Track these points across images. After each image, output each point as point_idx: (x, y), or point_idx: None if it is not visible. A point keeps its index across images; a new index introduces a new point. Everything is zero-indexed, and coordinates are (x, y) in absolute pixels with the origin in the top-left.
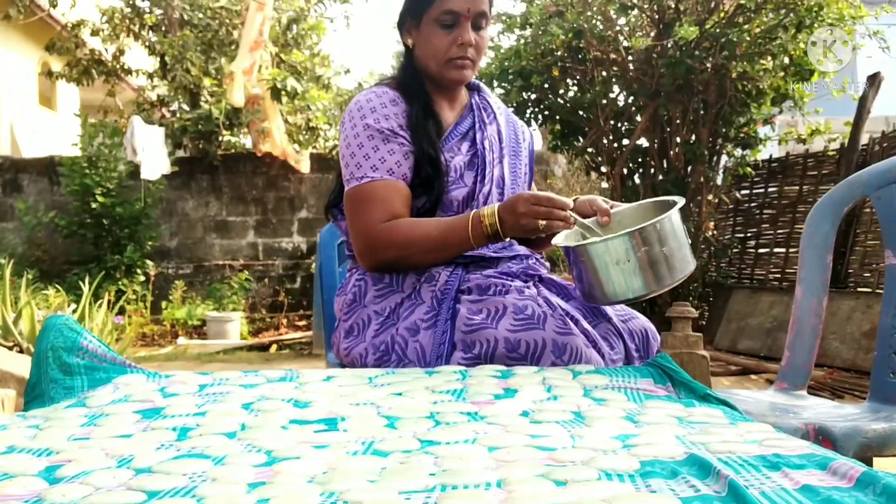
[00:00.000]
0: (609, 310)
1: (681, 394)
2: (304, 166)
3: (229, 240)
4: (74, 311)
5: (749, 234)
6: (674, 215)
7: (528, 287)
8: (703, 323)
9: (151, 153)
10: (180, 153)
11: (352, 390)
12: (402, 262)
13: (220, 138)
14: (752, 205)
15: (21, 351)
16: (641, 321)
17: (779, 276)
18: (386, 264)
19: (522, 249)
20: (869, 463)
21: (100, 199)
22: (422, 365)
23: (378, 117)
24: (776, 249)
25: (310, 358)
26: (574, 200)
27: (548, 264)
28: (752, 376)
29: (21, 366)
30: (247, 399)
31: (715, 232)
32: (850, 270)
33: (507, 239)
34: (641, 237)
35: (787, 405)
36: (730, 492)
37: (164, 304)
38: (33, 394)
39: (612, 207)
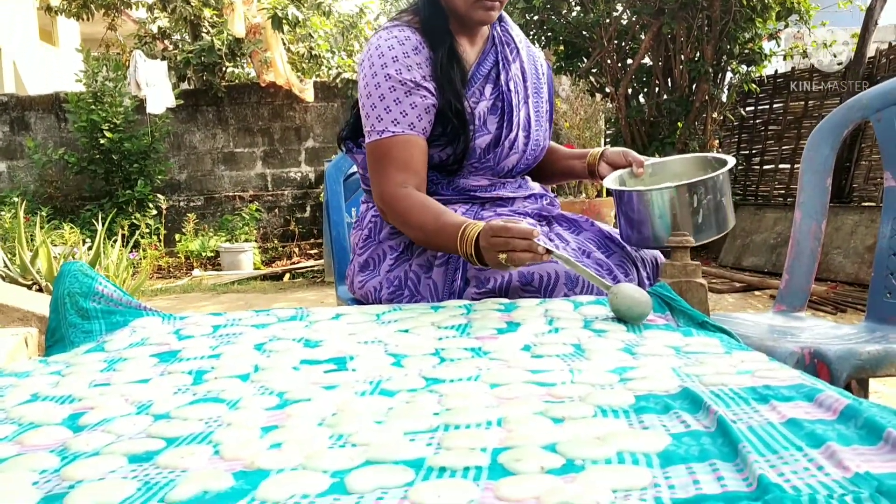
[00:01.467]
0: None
1: (680, 321)
2: (309, 95)
3: (238, 171)
4: (90, 248)
5: (754, 151)
6: (726, 172)
7: (541, 224)
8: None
9: (155, 87)
10: (184, 86)
11: (360, 328)
12: (400, 229)
13: (224, 69)
14: (757, 121)
15: (40, 289)
16: (652, 251)
17: (783, 192)
18: (392, 224)
19: (537, 188)
20: (865, 384)
21: (108, 134)
22: (434, 299)
23: (400, 67)
24: (781, 166)
25: (322, 286)
26: (603, 152)
27: (559, 202)
28: (756, 292)
29: (41, 305)
30: (259, 340)
31: (720, 149)
32: (855, 185)
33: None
34: (704, 187)
35: (786, 327)
36: (718, 427)
37: (177, 236)
38: (54, 338)
39: (645, 160)
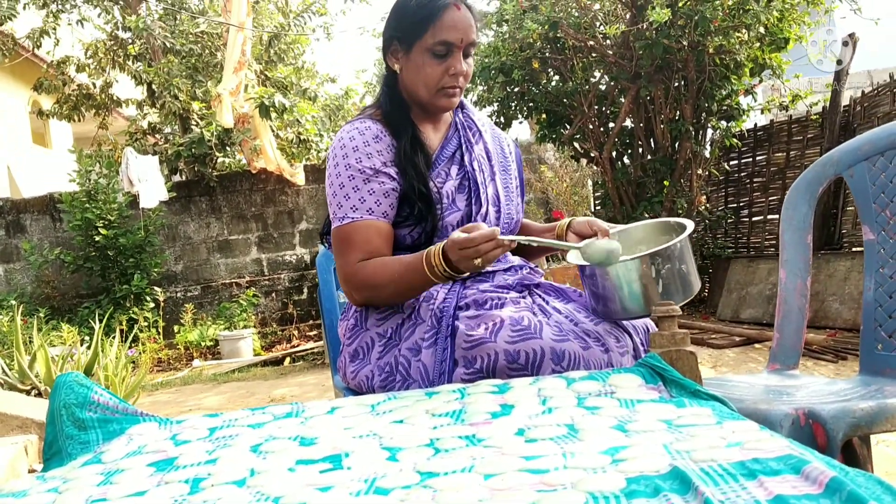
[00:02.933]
0: None
1: (672, 391)
2: (300, 179)
3: (233, 258)
4: (88, 348)
5: (742, 204)
6: (685, 238)
7: (523, 297)
8: (706, 294)
9: (148, 182)
10: (176, 178)
11: (354, 421)
12: (375, 301)
13: (215, 159)
14: (742, 174)
15: (39, 394)
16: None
17: (774, 242)
18: (364, 302)
19: (517, 260)
20: (867, 440)
21: (102, 231)
22: (425, 383)
23: (360, 156)
24: (769, 216)
25: (322, 368)
26: (570, 222)
27: (542, 271)
28: (756, 345)
29: (40, 411)
30: (255, 441)
31: (708, 205)
32: (844, 231)
33: (468, 273)
34: (661, 257)
35: (781, 387)
36: None
37: (175, 327)
38: (51, 451)
39: (610, 228)
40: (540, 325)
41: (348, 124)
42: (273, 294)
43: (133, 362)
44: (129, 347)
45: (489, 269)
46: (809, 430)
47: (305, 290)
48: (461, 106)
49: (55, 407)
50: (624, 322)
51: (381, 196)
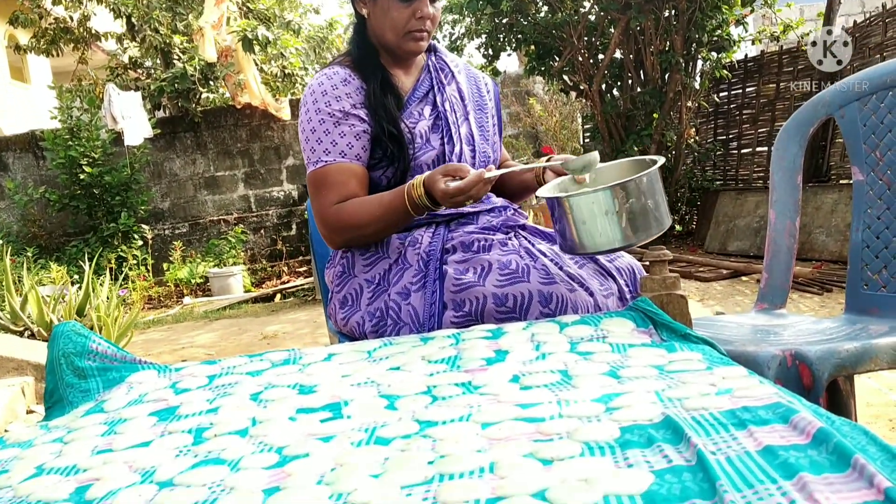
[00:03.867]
0: None
1: (663, 335)
2: (286, 113)
3: (220, 195)
4: (79, 288)
5: (731, 136)
6: (654, 172)
7: (509, 239)
8: (693, 227)
9: (131, 119)
10: (160, 114)
11: (352, 368)
12: (357, 241)
13: (198, 95)
14: (732, 106)
15: (32, 335)
16: (627, 259)
17: (762, 174)
18: (344, 244)
19: (500, 201)
20: (852, 380)
21: (87, 169)
22: (416, 326)
23: (329, 100)
24: (758, 149)
25: (313, 304)
26: (549, 159)
27: (526, 213)
28: (743, 278)
29: (35, 353)
30: (254, 389)
31: (697, 137)
32: (832, 163)
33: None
34: (625, 191)
35: (768, 326)
36: (698, 461)
37: (165, 265)
38: (52, 400)
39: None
40: (527, 268)
41: (318, 73)
42: (262, 230)
43: (124, 301)
44: (121, 287)
45: (473, 209)
46: (796, 370)
47: (294, 227)
48: (434, 49)
49: (54, 356)
50: (608, 265)
51: (353, 138)
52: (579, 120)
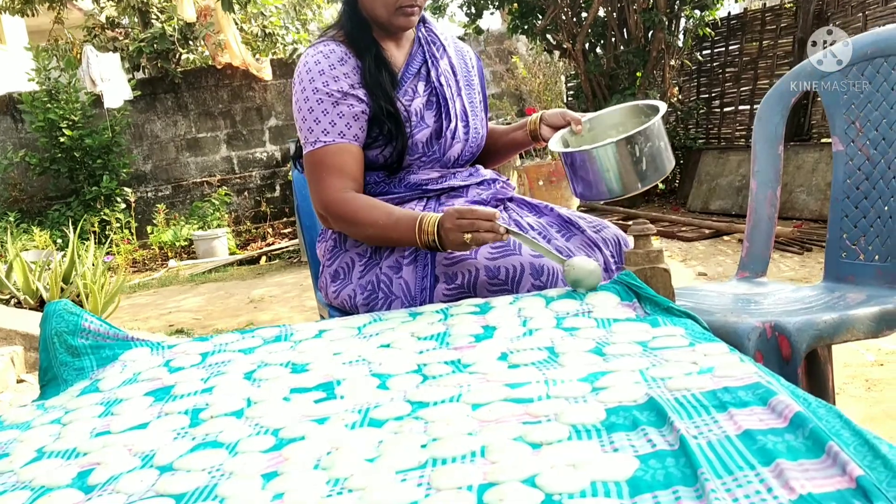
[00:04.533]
0: (582, 222)
1: (646, 308)
2: (267, 73)
3: (203, 156)
4: (64, 256)
5: (713, 95)
6: (660, 118)
7: (497, 208)
8: (676, 185)
9: (111, 81)
10: (139, 75)
11: (343, 346)
12: (348, 234)
13: (178, 55)
14: (715, 64)
15: (18, 303)
16: (613, 230)
17: (745, 133)
18: (338, 230)
19: (489, 173)
20: (829, 350)
21: (67, 132)
22: (408, 300)
23: (327, 79)
24: (741, 107)
25: (299, 266)
26: (542, 115)
27: (514, 185)
28: (725, 237)
29: (22, 321)
30: (247, 368)
31: (680, 96)
32: (813, 122)
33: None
34: (637, 139)
35: (749, 295)
36: (680, 447)
37: (148, 228)
38: (46, 378)
39: (582, 116)
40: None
41: (311, 48)
42: (245, 192)
43: (110, 268)
44: (106, 253)
45: (462, 183)
46: (775, 341)
47: (278, 188)
48: (423, 20)
49: (47, 335)
50: (594, 236)
51: (351, 119)
52: (563, 81)
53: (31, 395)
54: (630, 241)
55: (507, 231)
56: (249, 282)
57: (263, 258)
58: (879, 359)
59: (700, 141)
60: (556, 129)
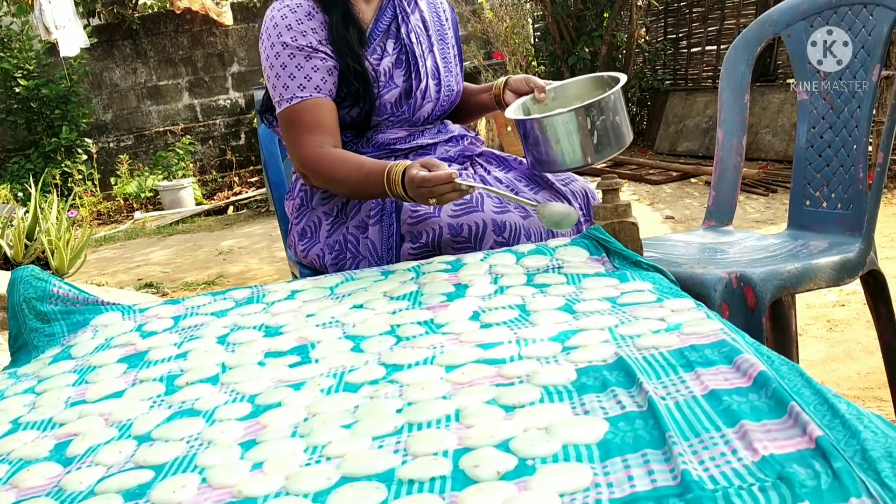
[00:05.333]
0: (550, 176)
1: (615, 263)
2: (228, 18)
3: (165, 105)
4: (26, 212)
5: (681, 35)
6: (619, 90)
7: (464, 170)
8: (644, 127)
9: (65, 28)
10: (95, 21)
11: (316, 307)
12: (330, 190)
13: (134, 0)
14: (682, 4)
15: None
16: (581, 182)
17: (712, 74)
18: (319, 186)
19: (457, 129)
20: (793, 299)
21: (22, 82)
22: (374, 259)
23: (295, 34)
24: (708, 48)
25: (266, 216)
26: (507, 80)
27: (482, 139)
28: (692, 180)
29: None
30: (220, 331)
31: (647, 37)
32: (779, 62)
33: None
34: (595, 109)
35: (715, 244)
36: (649, 407)
37: (112, 179)
38: (17, 345)
39: (546, 84)
40: (482, 197)
41: (277, 1)
42: (210, 141)
43: (74, 222)
44: (70, 208)
45: (430, 141)
46: (741, 292)
47: (243, 136)
48: None
49: (15, 301)
50: (563, 189)
51: (325, 73)
52: (530, 23)
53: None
54: (598, 194)
55: (471, 186)
56: (217, 233)
57: (231, 208)
58: (841, 299)
59: (667, 82)
60: (519, 95)
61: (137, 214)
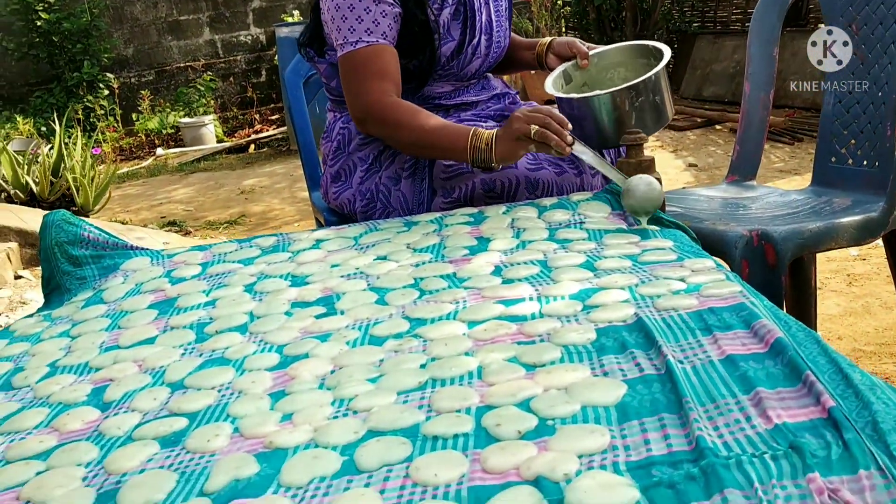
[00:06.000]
0: None
1: (636, 218)
2: None
3: (186, 40)
4: (51, 147)
5: None
6: (661, 69)
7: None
8: (670, 71)
9: None
10: None
11: (340, 257)
12: (386, 139)
13: None
14: None
15: (9, 197)
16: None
17: (741, 17)
18: (375, 135)
19: (500, 86)
20: (813, 259)
21: (44, 15)
22: (405, 212)
23: None
24: None
25: (287, 156)
26: (550, 42)
27: (521, 102)
28: (717, 126)
29: (16, 218)
30: (248, 280)
31: None
32: (811, 6)
33: (494, 162)
34: (634, 91)
35: (738, 199)
36: (666, 371)
37: (134, 115)
38: (49, 287)
39: (589, 50)
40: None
41: None
42: (231, 77)
43: (100, 159)
44: (94, 145)
45: (474, 98)
46: (761, 249)
47: (264, 73)
48: None
49: (47, 245)
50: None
51: (392, 20)
52: None
53: (29, 291)
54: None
55: (574, 142)
56: (239, 171)
57: (252, 146)
58: (862, 253)
59: (695, 25)
60: (562, 59)
61: (159, 151)
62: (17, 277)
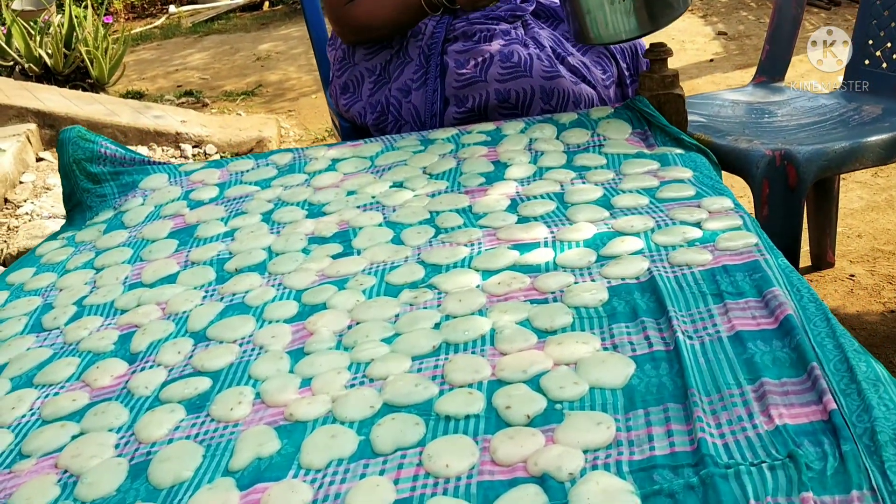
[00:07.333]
0: None
1: (657, 139)
2: None
3: None
4: (62, 17)
5: None
6: None
7: (514, 28)
8: None
9: None
10: None
11: (356, 183)
12: (372, 40)
13: None
14: None
15: (23, 70)
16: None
17: None
18: (358, 42)
19: None
20: (837, 181)
21: None
22: (417, 124)
23: None
24: None
25: (302, 16)
26: None
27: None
28: None
29: (33, 98)
30: (266, 207)
31: None
32: None
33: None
34: None
35: (764, 104)
36: (675, 348)
37: None
38: (71, 203)
39: None
40: (529, 59)
41: None
42: None
43: (109, 28)
44: (105, 13)
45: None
46: (783, 170)
47: None
48: None
49: (66, 162)
50: (611, 48)
51: None
52: None
53: (51, 176)
54: (646, 45)
55: None
56: (254, 34)
57: (266, 3)
58: None
59: None
60: None
61: (172, 8)
62: (39, 160)
